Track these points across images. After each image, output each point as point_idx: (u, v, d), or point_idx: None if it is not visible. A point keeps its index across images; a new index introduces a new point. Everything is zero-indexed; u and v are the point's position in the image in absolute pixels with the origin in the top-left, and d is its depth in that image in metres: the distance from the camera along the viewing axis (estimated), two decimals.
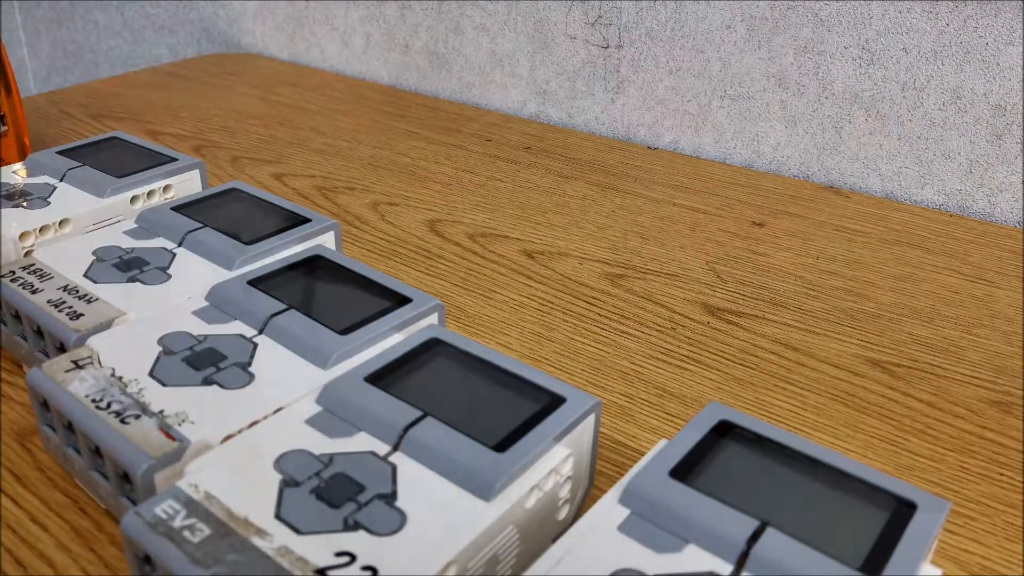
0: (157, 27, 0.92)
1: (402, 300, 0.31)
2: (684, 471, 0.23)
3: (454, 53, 0.71)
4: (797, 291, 0.42)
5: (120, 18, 0.95)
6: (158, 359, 0.28)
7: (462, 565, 0.21)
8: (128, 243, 0.36)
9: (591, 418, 0.26)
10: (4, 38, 1.05)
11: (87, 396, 0.26)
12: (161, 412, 0.25)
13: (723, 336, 0.38)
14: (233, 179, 0.52)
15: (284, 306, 0.30)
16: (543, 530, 0.25)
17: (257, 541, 0.21)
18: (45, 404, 0.27)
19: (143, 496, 0.24)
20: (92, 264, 0.34)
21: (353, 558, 0.20)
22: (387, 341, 0.29)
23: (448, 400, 0.26)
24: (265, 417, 0.26)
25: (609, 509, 0.22)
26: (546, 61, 0.66)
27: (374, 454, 0.24)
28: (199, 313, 0.30)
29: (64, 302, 0.31)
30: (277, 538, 0.21)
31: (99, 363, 0.27)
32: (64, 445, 0.27)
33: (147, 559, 0.21)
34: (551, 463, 0.24)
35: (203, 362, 0.28)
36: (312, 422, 0.25)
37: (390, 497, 0.22)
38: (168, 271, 0.34)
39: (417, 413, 0.25)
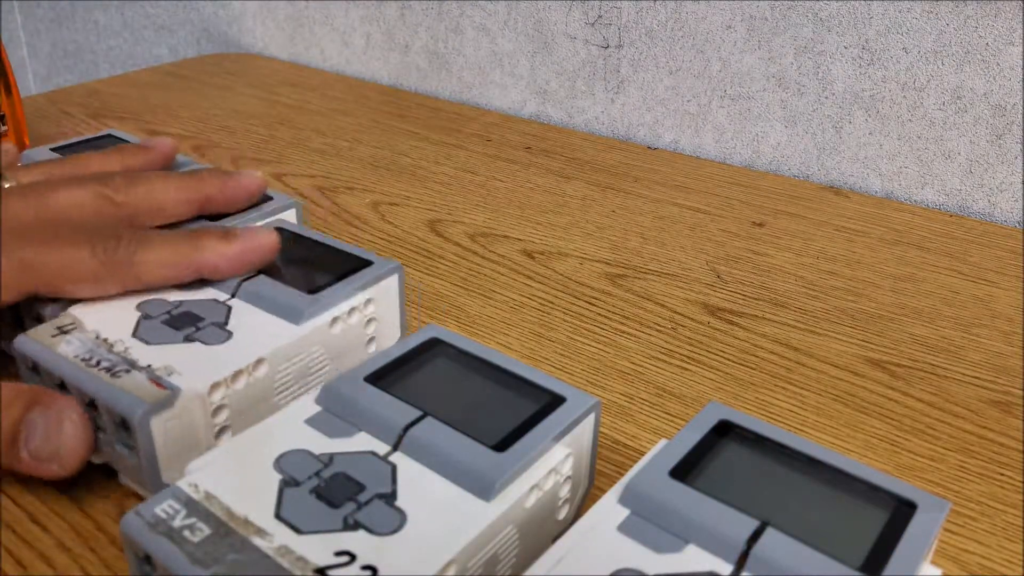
0: (157, 27, 0.92)
1: (363, 264, 0.33)
2: (684, 471, 0.23)
3: (454, 53, 0.71)
4: (797, 291, 0.42)
5: (120, 18, 0.95)
6: (139, 323, 0.29)
7: (462, 565, 0.21)
8: None
9: (591, 418, 0.26)
10: (4, 38, 1.05)
11: (76, 356, 0.27)
12: (149, 366, 0.27)
13: (723, 336, 0.38)
14: None
15: (255, 272, 0.32)
16: (543, 530, 0.25)
17: (257, 541, 0.21)
18: (35, 368, 0.28)
19: (142, 443, 0.25)
20: None
21: (353, 558, 0.20)
22: (352, 300, 0.31)
23: (448, 400, 0.26)
24: (247, 367, 0.27)
25: (609, 509, 0.22)
26: (546, 61, 0.66)
27: (374, 454, 0.24)
28: None
29: None
30: (277, 538, 0.21)
31: (83, 328, 0.29)
32: None
33: (147, 559, 0.21)
34: (551, 463, 0.24)
35: (182, 323, 0.29)
36: (312, 422, 0.25)
37: (390, 497, 0.22)
38: None
39: (417, 413, 0.25)
